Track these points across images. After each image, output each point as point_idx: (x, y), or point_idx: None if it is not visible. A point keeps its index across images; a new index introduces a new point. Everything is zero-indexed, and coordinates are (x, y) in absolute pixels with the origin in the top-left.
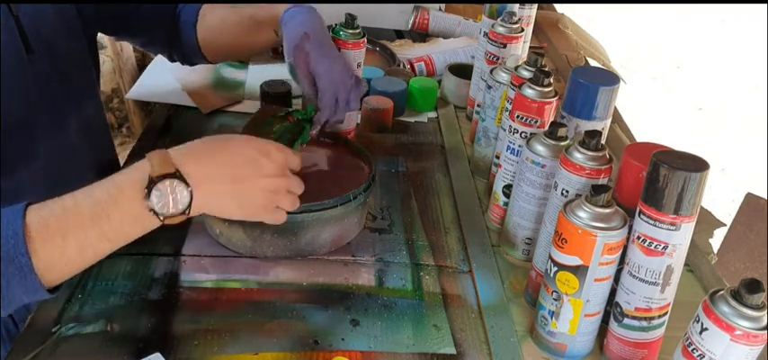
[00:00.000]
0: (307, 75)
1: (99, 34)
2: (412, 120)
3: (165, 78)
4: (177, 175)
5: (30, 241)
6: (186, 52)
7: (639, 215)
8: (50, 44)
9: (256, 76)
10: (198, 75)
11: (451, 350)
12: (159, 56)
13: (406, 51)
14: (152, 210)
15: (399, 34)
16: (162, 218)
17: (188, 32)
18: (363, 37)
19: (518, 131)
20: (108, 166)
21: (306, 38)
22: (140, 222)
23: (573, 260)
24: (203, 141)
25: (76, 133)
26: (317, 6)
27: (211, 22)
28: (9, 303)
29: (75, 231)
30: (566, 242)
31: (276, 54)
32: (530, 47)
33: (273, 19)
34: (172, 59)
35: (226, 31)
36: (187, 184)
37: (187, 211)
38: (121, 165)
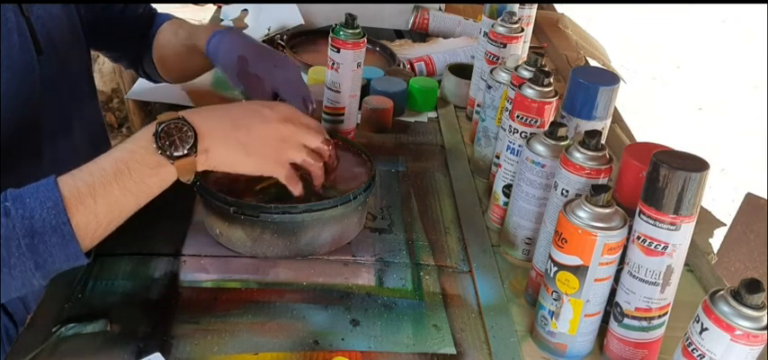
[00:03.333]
0: (266, 94)
1: None
2: (412, 120)
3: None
4: (182, 119)
5: (68, 209)
6: (149, 70)
7: (639, 215)
8: (58, 47)
9: None
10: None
11: (451, 350)
12: None
13: (406, 51)
14: (162, 152)
15: (399, 34)
16: (172, 160)
17: (149, 50)
18: (363, 37)
19: (518, 131)
20: None
21: (244, 62)
22: (156, 171)
23: (573, 260)
24: (207, 107)
25: (79, 136)
26: (318, 6)
27: (161, 44)
28: (48, 273)
29: (103, 191)
30: (566, 242)
31: None
32: (530, 47)
33: (199, 48)
34: (139, 75)
35: (170, 53)
36: (191, 126)
37: (194, 153)
38: None
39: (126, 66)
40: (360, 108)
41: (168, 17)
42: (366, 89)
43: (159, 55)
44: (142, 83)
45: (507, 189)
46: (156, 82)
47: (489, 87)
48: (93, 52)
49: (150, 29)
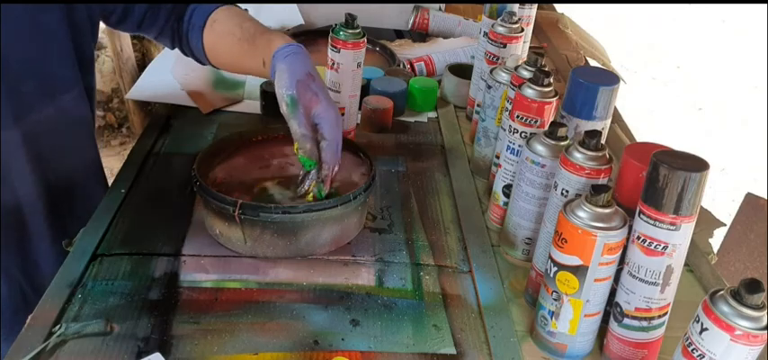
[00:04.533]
0: (308, 115)
1: (99, 34)
2: (412, 120)
3: (165, 78)
4: None
5: None
6: (195, 54)
7: (639, 215)
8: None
9: None
10: (198, 75)
11: (451, 350)
12: (159, 56)
13: (406, 51)
14: None
15: (399, 34)
16: None
17: (195, 35)
18: (363, 37)
19: (518, 131)
20: (90, 164)
21: (311, 78)
22: None
23: (573, 260)
24: None
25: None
26: (318, 6)
27: (218, 31)
28: None
29: None
30: (566, 242)
31: None
32: (530, 47)
33: (266, 49)
34: (185, 54)
35: (227, 46)
36: None
37: None
38: (121, 164)
39: (168, 45)
40: (360, 108)
41: (222, 2)
42: (366, 89)
43: (213, 42)
44: (142, 83)
45: (507, 189)
46: (203, 64)
47: (489, 87)
48: (96, 51)
49: (185, 7)
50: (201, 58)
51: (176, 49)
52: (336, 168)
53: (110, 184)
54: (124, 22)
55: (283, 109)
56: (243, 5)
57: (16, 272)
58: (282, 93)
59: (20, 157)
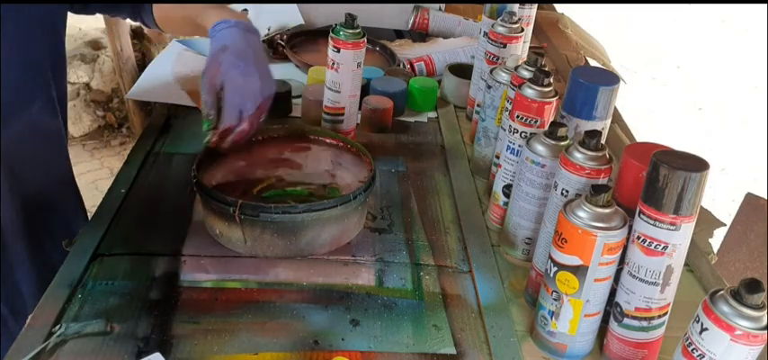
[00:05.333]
0: (212, 85)
1: (99, 34)
2: (412, 120)
3: (164, 78)
4: None
5: None
6: (149, 24)
7: (639, 215)
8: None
9: None
10: (198, 75)
11: (451, 350)
12: (159, 56)
13: (406, 51)
14: None
15: (399, 34)
16: None
17: (148, 12)
18: (363, 37)
19: (518, 131)
20: (64, 178)
21: (223, 50)
22: None
23: (573, 260)
24: None
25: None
26: (318, 6)
27: (164, 8)
28: None
29: None
30: (566, 242)
31: (276, 53)
32: (530, 47)
33: (205, 29)
34: (133, 20)
35: (173, 23)
36: None
37: None
38: (121, 164)
39: (123, 17)
40: (360, 108)
41: None
42: (366, 89)
43: (162, 19)
44: (142, 83)
45: (507, 189)
46: (149, 27)
47: (489, 87)
48: (95, 51)
49: None
50: (154, 27)
51: (176, 49)
52: (241, 128)
53: (110, 185)
54: (86, 8)
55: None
56: (243, 5)
57: None
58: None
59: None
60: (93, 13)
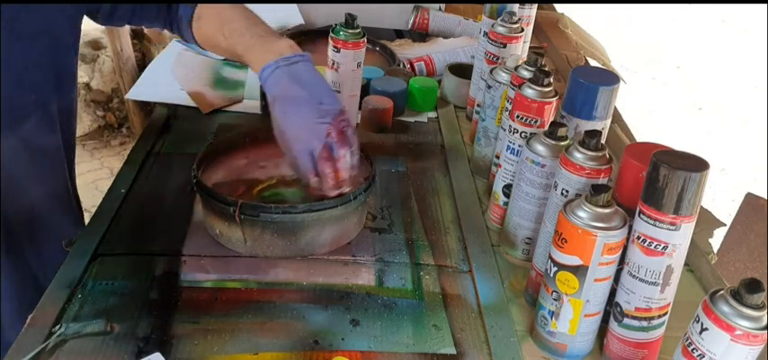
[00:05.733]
0: (285, 146)
1: (98, 34)
2: (412, 120)
3: (165, 78)
4: None
5: None
6: (192, 43)
7: (639, 215)
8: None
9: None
10: (198, 74)
11: (451, 350)
12: (159, 56)
13: (406, 51)
14: None
15: (399, 34)
16: None
17: (185, 29)
18: (363, 37)
19: (518, 131)
20: (60, 191)
21: (272, 102)
22: None
23: (573, 260)
24: None
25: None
26: (318, 6)
27: (204, 33)
28: None
29: None
30: (566, 242)
31: None
32: (530, 47)
33: (254, 67)
34: (171, 32)
35: (218, 50)
36: None
37: None
38: (121, 164)
39: (159, 28)
40: (360, 108)
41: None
42: (366, 89)
43: (204, 40)
44: (142, 83)
45: (507, 189)
46: (187, 41)
47: (489, 87)
48: (95, 51)
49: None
50: (199, 48)
51: (176, 49)
52: (333, 167)
53: (110, 185)
54: (112, 18)
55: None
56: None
57: None
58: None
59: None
60: (121, 25)
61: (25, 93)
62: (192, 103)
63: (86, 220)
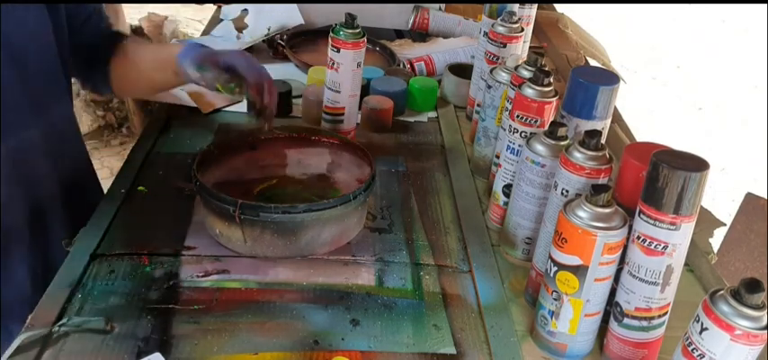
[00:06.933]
0: (219, 67)
1: None
2: (412, 120)
3: None
4: None
5: None
6: (98, 84)
7: (639, 215)
8: (19, 52)
9: None
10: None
11: (451, 350)
12: None
13: (406, 51)
14: None
15: (399, 34)
16: None
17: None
18: (363, 37)
19: (518, 131)
20: (80, 172)
21: (207, 48)
22: None
23: (573, 260)
24: None
25: (42, 138)
26: (318, 6)
27: (130, 55)
28: None
29: None
30: (566, 242)
31: (276, 53)
32: (530, 47)
33: (170, 58)
34: (84, 87)
35: (137, 69)
36: None
37: None
38: (121, 164)
39: (83, 85)
40: (360, 108)
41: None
42: (366, 89)
43: (122, 69)
44: None
45: (507, 189)
46: (102, 93)
47: (489, 87)
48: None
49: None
50: (104, 88)
51: None
52: (271, 92)
53: (110, 185)
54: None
55: (196, 77)
56: (243, 6)
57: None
58: (190, 71)
59: (6, 178)
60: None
61: (56, 86)
62: (192, 104)
63: None
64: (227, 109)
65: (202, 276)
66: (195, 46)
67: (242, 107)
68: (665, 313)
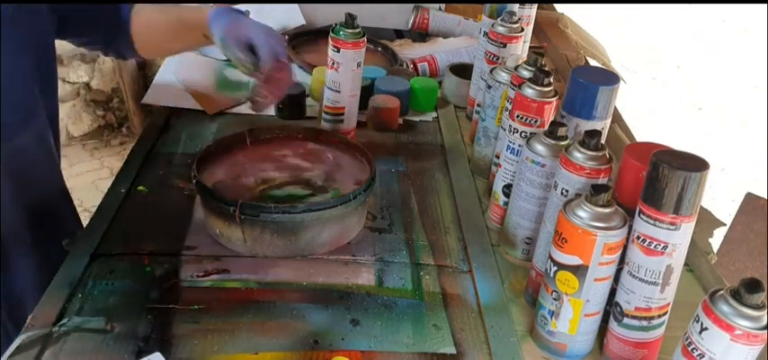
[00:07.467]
0: (240, 41)
1: None
2: (416, 119)
3: (173, 83)
4: None
5: None
6: (123, 52)
7: (639, 215)
8: None
9: None
10: (201, 76)
11: (451, 350)
12: (167, 60)
13: (407, 51)
14: None
15: (399, 34)
16: None
17: (124, 30)
18: (363, 37)
19: (518, 131)
20: (54, 190)
21: (238, 16)
22: None
23: (573, 260)
24: None
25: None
26: (318, 6)
27: (141, 22)
28: None
29: None
30: (566, 242)
31: None
32: (530, 47)
33: (200, 21)
34: (106, 54)
35: (155, 33)
36: None
37: None
38: (122, 164)
39: (94, 50)
40: (363, 108)
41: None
42: (370, 89)
43: (139, 34)
44: (154, 88)
45: (507, 189)
46: (125, 58)
47: (489, 87)
48: (92, 53)
49: (119, 11)
50: (126, 51)
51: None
52: (281, 75)
53: (110, 185)
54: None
55: (220, 47)
56: (243, 6)
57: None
58: (216, 40)
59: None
60: (65, 39)
61: (35, 92)
62: (197, 106)
63: (86, 221)
64: (231, 110)
65: (202, 276)
66: (225, 12)
67: (244, 109)
68: (665, 313)
